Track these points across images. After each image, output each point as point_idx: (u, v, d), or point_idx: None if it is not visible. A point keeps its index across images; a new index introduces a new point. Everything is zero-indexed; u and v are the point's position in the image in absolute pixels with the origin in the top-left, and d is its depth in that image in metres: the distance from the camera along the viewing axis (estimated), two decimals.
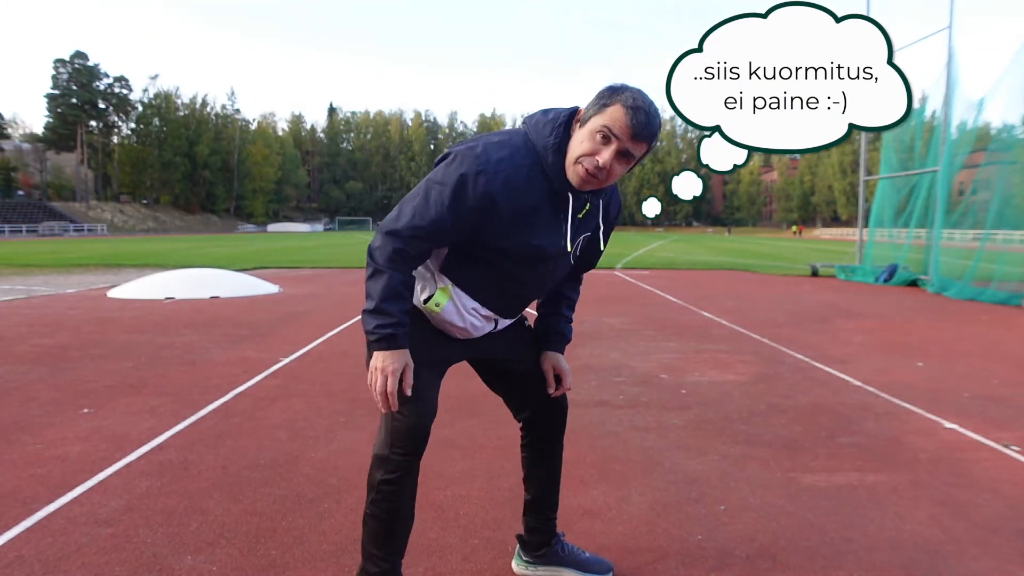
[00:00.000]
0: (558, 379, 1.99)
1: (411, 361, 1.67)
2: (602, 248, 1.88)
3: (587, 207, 1.71)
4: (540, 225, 1.65)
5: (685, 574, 2.16)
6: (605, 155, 1.53)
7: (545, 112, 1.65)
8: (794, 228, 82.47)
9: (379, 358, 1.63)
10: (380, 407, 1.66)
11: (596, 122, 1.54)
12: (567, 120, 1.61)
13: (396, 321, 1.61)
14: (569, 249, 1.73)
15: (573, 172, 1.58)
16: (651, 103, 1.53)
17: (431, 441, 1.77)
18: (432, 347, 1.78)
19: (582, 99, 1.68)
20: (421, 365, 1.71)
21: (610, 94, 1.54)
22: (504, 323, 1.89)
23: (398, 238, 1.60)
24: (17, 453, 3.23)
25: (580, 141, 1.56)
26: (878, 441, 3.56)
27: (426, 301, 1.73)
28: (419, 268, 1.74)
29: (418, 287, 1.75)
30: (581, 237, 1.76)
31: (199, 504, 2.66)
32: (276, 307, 8.96)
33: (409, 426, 1.70)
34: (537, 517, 2.09)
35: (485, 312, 1.79)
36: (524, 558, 2.14)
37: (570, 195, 1.65)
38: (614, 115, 1.51)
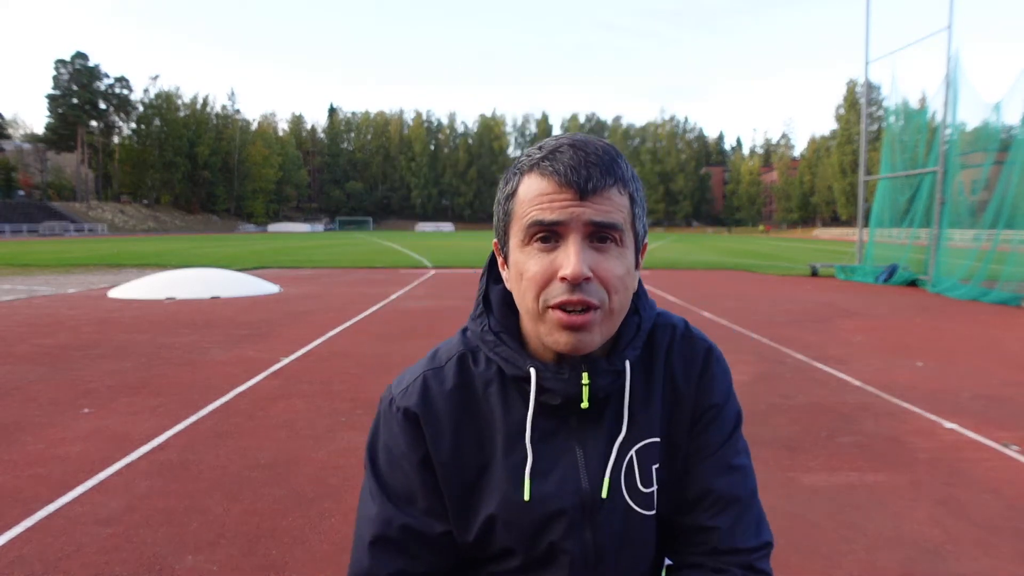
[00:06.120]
0: None
1: None
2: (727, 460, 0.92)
3: (625, 389, 0.89)
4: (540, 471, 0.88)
5: None
6: (565, 260, 0.79)
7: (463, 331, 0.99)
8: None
9: None
10: None
11: (515, 230, 0.85)
12: (483, 291, 0.95)
13: None
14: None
15: (549, 337, 0.83)
16: (582, 137, 0.85)
17: None
18: None
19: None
20: None
21: (506, 183, 0.88)
22: None
23: None
24: (17, 453, 3.23)
25: (518, 277, 0.84)
26: (878, 441, 3.56)
27: None
28: None
29: None
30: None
31: (199, 504, 2.66)
32: (276, 307, 8.97)
33: None
34: None
35: None
36: None
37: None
38: (527, 194, 0.83)
